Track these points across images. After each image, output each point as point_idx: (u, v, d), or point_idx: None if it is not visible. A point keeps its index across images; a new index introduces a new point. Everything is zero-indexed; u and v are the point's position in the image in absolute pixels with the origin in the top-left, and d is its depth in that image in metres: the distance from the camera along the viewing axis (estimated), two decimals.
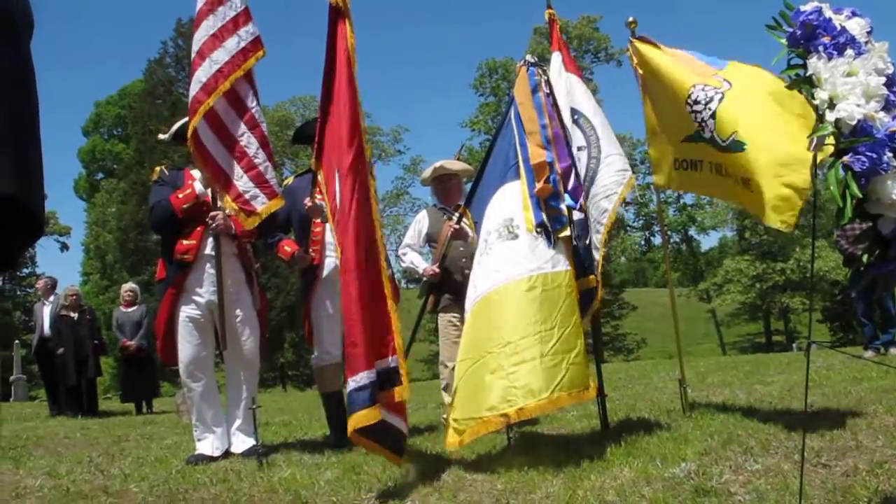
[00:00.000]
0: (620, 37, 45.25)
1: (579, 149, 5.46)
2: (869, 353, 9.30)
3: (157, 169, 5.45)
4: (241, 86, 4.89)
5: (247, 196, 4.79)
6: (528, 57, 5.05)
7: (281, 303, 33.67)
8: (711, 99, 4.59)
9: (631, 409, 6.30)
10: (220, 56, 4.80)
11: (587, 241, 5.14)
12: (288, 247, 5.58)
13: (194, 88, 4.82)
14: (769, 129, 4.22)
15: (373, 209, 4.21)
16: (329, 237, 5.49)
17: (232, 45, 4.82)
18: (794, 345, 37.19)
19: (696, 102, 4.66)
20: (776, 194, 4.10)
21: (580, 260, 4.98)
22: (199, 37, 4.86)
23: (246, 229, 4.96)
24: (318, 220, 5.48)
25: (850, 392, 6.05)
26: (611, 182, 5.46)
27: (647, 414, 5.96)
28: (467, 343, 4.59)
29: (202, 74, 4.79)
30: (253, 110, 4.93)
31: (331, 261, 5.50)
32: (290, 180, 6.09)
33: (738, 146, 4.45)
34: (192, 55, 4.92)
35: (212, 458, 4.94)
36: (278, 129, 42.36)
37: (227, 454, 5.08)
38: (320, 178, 4.63)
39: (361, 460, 4.66)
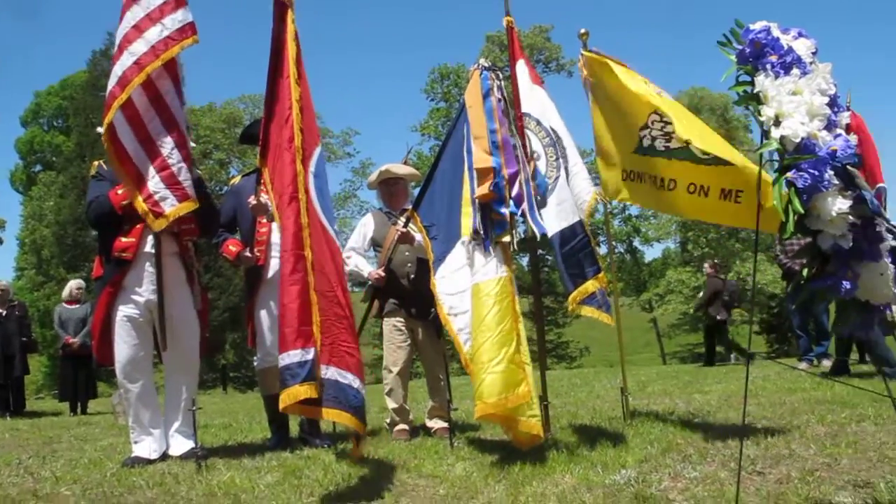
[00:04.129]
0: (572, 47, 45.80)
1: (557, 159, 5.52)
2: (803, 365, 9.58)
3: (96, 163, 5.30)
4: (163, 81, 4.73)
5: (156, 197, 4.64)
6: (483, 61, 5.06)
7: (224, 303, 33.14)
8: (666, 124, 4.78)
9: (573, 417, 6.35)
10: (139, 48, 4.63)
11: (583, 246, 5.35)
12: (233, 246, 5.50)
13: (111, 83, 4.66)
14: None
15: (300, 203, 4.13)
16: (275, 237, 5.43)
17: (153, 35, 4.65)
18: (731, 355, 37.96)
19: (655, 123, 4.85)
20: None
21: (580, 267, 5.31)
22: (122, 29, 4.70)
23: (156, 229, 4.79)
24: (264, 220, 5.40)
25: (784, 402, 6.21)
26: (580, 190, 5.54)
27: (588, 421, 6.02)
28: None
29: (119, 68, 4.63)
30: (172, 108, 4.77)
31: (276, 261, 5.40)
32: (236, 179, 6.01)
33: (721, 161, 4.62)
34: (115, 50, 4.76)
35: (148, 461, 4.83)
36: (226, 126, 41.75)
37: (164, 457, 4.97)
38: (266, 175, 4.57)
39: (302, 464, 4.61)
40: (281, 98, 4.38)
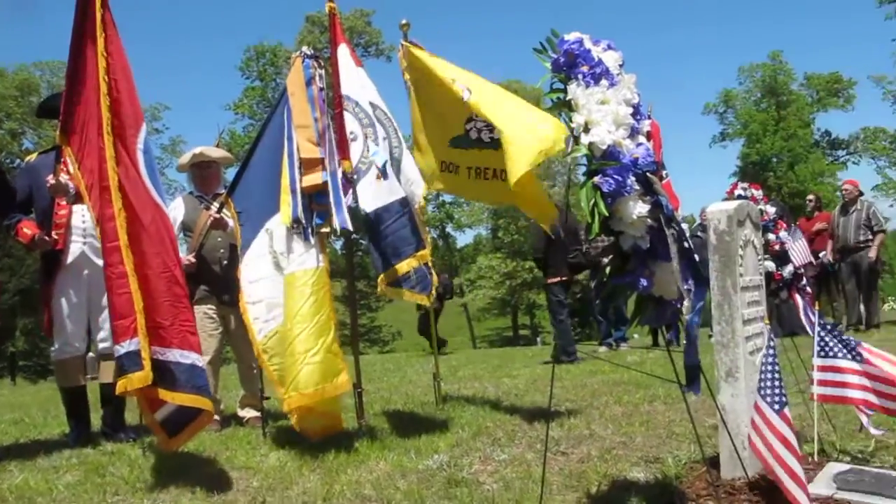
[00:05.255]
0: (392, 32, 45.87)
1: (383, 139, 5.50)
2: (603, 349, 10.23)
3: None
4: None
5: None
6: (305, 49, 5.00)
7: (14, 285, 30.68)
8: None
9: (387, 402, 6.44)
10: None
11: (400, 226, 5.28)
12: (27, 229, 5.09)
13: None
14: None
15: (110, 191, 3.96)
16: (75, 220, 5.11)
17: None
18: (538, 338, 39.79)
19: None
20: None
21: (393, 247, 5.21)
22: None
23: None
24: (63, 202, 5.06)
25: (586, 384, 6.61)
26: (416, 171, 5.56)
27: (402, 407, 6.13)
28: None
29: None
30: None
31: (76, 246, 5.12)
32: (32, 157, 5.57)
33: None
34: None
35: None
36: (19, 94, 38.55)
37: None
38: (68, 153, 4.27)
39: (106, 461, 4.40)
40: (87, 72, 4.10)
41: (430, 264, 5.50)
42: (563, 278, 9.18)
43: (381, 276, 5.40)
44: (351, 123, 5.48)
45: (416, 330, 15.84)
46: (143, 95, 4.29)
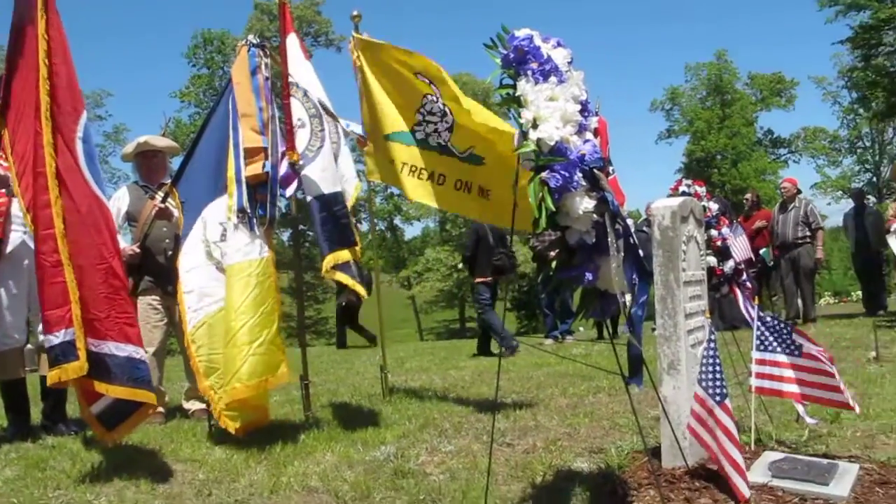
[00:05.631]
0: (342, 22, 45.58)
1: (322, 130, 5.46)
2: (549, 342, 10.35)
3: None
4: None
5: None
6: (251, 37, 4.95)
7: None
8: (445, 113, 4.90)
9: (334, 394, 6.43)
10: None
11: (344, 215, 5.23)
12: None
13: None
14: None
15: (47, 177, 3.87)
16: (15, 209, 4.98)
17: None
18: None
19: (431, 113, 4.95)
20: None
21: (339, 234, 5.11)
22: None
23: None
24: (3, 192, 4.93)
25: (531, 377, 6.68)
26: (349, 168, 5.53)
27: (349, 398, 6.13)
28: None
29: None
30: None
31: (16, 235, 5.00)
32: None
33: (476, 160, 4.88)
34: None
35: None
36: None
37: None
38: (6, 139, 4.16)
39: (47, 455, 4.32)
40: (26, 54, 4.00)
41: (359, 261, 5.51)
42: (488, 279, 9.46)
43: (329, 257, 5.32)
44: (298, 110, 5.43)
45: (336, 321, 15.88)
46: (86, 81, 4.22)
